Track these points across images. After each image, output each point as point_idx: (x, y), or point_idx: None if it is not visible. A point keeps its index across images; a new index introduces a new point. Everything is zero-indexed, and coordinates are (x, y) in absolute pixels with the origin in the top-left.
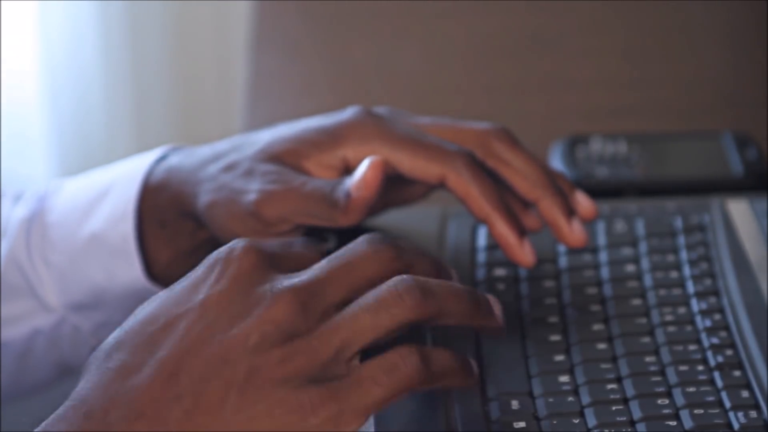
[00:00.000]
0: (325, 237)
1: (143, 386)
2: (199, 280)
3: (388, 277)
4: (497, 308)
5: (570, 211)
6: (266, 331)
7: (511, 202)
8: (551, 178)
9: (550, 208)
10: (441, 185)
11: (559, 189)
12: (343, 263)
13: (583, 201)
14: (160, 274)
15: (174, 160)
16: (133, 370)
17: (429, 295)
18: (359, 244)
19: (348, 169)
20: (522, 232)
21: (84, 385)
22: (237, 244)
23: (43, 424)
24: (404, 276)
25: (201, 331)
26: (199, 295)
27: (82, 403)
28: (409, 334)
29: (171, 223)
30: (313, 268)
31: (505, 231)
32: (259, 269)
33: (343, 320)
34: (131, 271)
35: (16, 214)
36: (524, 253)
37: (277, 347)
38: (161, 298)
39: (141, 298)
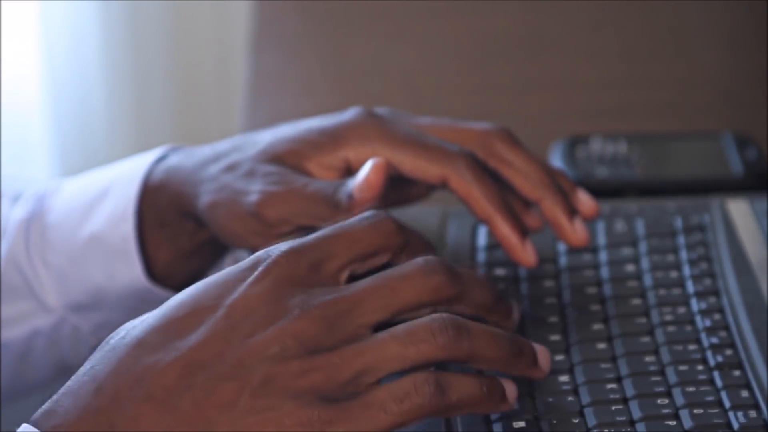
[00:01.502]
0: None
1: (157, 369)
2: (236, 279)
3: (434, 303)
4: (544, 359)
5: (572, 211)
6: (287, 343)
7: (512, 202)
8: (552, 177)
9: (551, 207)
10: (442, 186)
11: (561, 188)
12: (387, 284)
13: (584, 199)
14: (160, 274)
15: (174, 160)
16: (149, 349)
17: (463, 337)
18: (412, 266)
19: (349, 170)
20: (524, 232)
21: (96, 359)
22: (279, 247)
23: (53, 398)
24: (443, 314)
25: (223, 332)
26: (232, 294)
27: (93, 378)
28: None
29: (171, 223)
30: (355, 284)
31: (507, 231)
32: (295, 279)
33: (370, 345)
34: (131, 271)
35: (15, 214)
36: (526, 254)
37: (296, 360)
38: (195, 289)
39: (141, 298)
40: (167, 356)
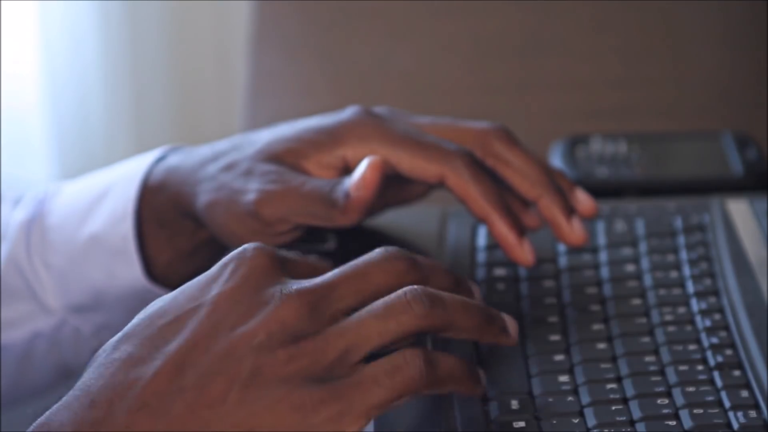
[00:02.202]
0: (324, 237)
1: (147, 378)
2: (211, 279)
3: (401, 287)
4: (512, 326)
5: (570, 210)
6: (273, 330)
7: (510, 201)
8: (551, 176)
9: (549, 206)
10: (440, 185)
11: (559, 188)
12: (356, 271)
13: (582, 199)
14: (160, 274)
15: (173, 160)
16: (139, 361)
17: (438, 305)
18: (375, 254)
19: (347, 169)
20: (521, 231)
21: (89, 375)
22: (250, 245)
23: (48, 412)
24: (415, 286)
25: (208, 328)
26: (210, 292)
27: (87, 393)
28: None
29: (170, 223)
30: (326, 274)
31: (504, 230)
32: (270, 271)
33: (350, 324)
34: (131, 271)
35: (15, 217)
36: (524, 253)
37: (282, 347)
38: (173, 294)
39: (141, 298)
40: (156, 363)
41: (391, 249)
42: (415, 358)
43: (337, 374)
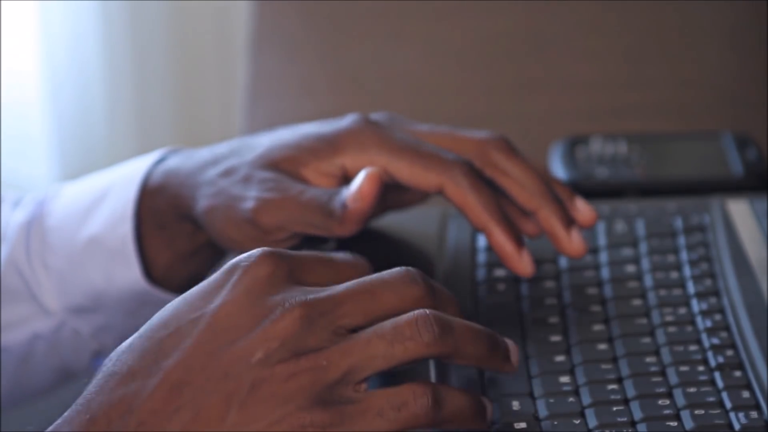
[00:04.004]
0: (325, 238)
1: (145, 395)
2: (215, 287)
3: (409, 311)
4: (515, 355)
5: (569, 221)
6: (271, 347)
7: (509, 211)
8: (549, 187)
9: (548, 218)
10: (439, 193)
11: (558, 198)
12: (368, 289)
13: (582, 208)
14: (159, 276)
15: (173, 162)
16: (138, 376)
17: (447, 333)
18: (393, 274)
19: (346, 177)
20: (520, 241)
21: (90, 389)
22: (256, 251)
23: (51, 427)
24: (426, 310)
25: (207, 342)
26: (212, 302)
27: (87, 408)
28: None
29: (169, 225)
30: (335, 286)
31: (502, 240)
32: (274, 279)
33: (356, 344)
34: (130, 273)
35: (15, 218)
36: (522, 263)
37: (282, 363)
38: (176, 303)
39: (140, 300)
40: (154, 379)
41: (411, 271)
42: (423, 397)
43: (341, 394)
